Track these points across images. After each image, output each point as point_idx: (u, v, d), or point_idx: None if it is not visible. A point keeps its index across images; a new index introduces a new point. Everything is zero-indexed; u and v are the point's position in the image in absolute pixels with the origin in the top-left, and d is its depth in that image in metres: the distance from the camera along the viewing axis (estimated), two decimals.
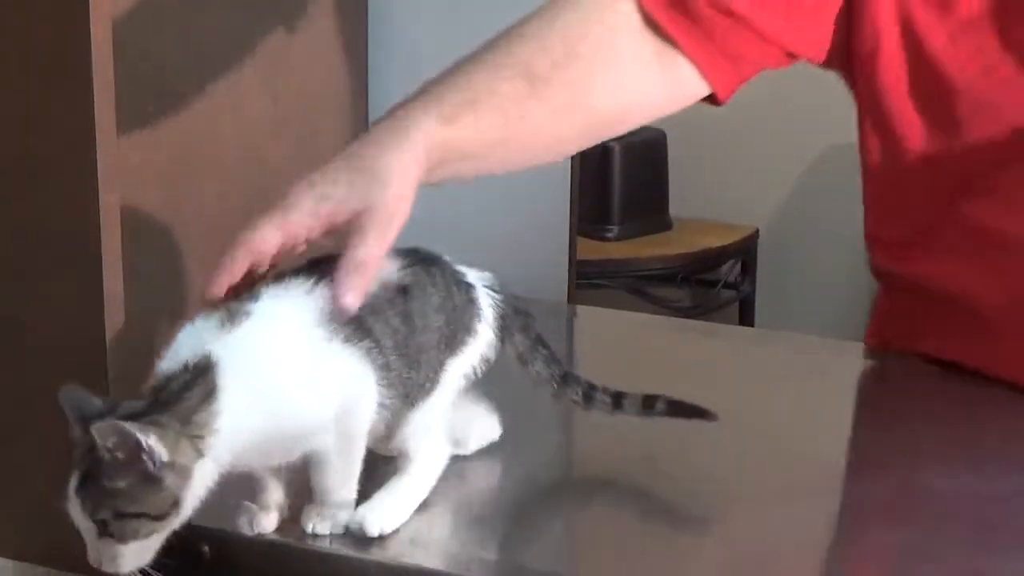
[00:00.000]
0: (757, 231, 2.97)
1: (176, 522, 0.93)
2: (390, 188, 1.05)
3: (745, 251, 2.92)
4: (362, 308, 0.99)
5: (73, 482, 0.91)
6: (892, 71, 1.30)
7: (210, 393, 0.93)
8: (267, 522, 1.04)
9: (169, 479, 0.90)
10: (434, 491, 1.06)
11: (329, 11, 1.72)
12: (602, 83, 1.24)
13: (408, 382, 1.02)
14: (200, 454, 0.93)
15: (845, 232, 3.03)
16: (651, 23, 1.24)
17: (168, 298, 1.48)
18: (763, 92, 3.16)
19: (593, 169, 2.69)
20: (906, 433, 1.25)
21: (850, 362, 1.43)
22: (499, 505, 1.14)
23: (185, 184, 1.59)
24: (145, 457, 0.89)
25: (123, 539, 0.90)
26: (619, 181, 2.78)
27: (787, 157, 2.92)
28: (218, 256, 1.05)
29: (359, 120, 1.78)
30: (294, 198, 1.04)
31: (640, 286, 2.71)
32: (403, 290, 1.03)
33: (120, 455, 0.89)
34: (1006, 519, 1.07)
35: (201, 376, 0.94)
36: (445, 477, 1.07)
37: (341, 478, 1.01)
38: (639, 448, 1.15)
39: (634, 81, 1.25)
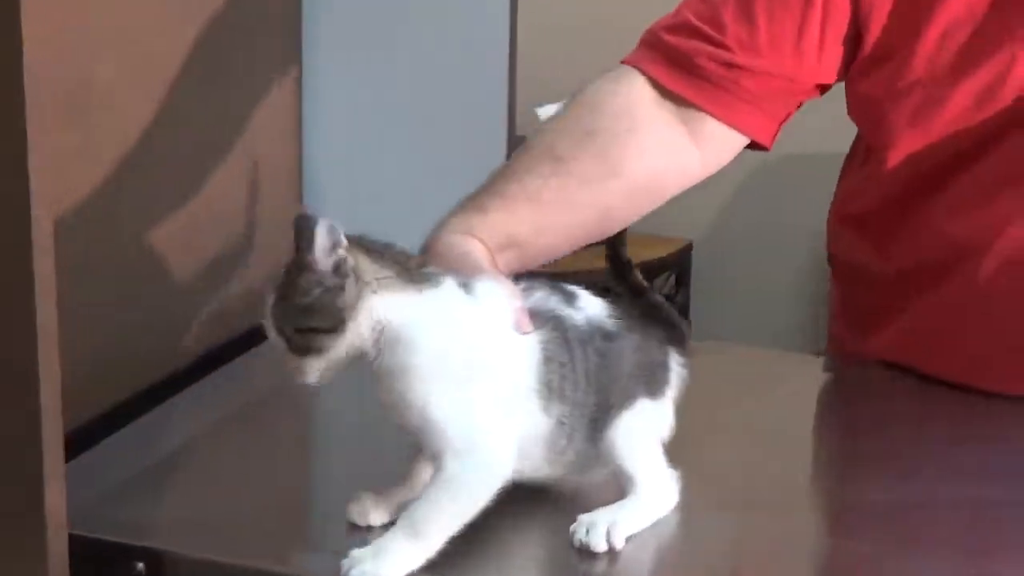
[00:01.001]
0: (691, 244, 3.02)
1: (343, 345, 1.01)
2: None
3: (679, 263, 3.00)
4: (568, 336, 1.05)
5: (269, 301, 1.02)
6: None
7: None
8: (376, 516, 1.07)
9: (342, 298, 1.00)
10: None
11: (265, 33, 1.73)
12: (628, 150, 1.27)
13: (593, 406, 1.06)
14: (370, 294, 1.01)
15: (779, 244, 3.07)
16: (664, 91, 1.27)
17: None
18: None
19: None
20: (850, 441, 1.30)
21: (786, 371, 1.48)
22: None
23: (121, 202, 1.59)
24: (335, 264, 1.00)
25: (305, 353, 1.00)
26: None
27: (721, 170, 3.14)
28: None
29: (294, 138, 1.78)
30: None
31: None
32: (603, 330, 1.09)
33: (324, 274, 0.98)
34: (973, 525, 1.11)
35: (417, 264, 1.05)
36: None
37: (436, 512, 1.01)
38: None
39: (661, 144, 1.28)
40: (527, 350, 1.04)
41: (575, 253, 2.35)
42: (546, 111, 2.70)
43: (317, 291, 0.99)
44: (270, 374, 1.28)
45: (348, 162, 1.80)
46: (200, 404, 1.39)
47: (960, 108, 1.29)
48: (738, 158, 3.40)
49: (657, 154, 1.30)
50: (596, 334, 1.07)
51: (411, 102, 1.83)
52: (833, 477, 1.24)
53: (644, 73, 1.31)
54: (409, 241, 1.25)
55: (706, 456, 1.21)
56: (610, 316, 1.09)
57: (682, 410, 1.16)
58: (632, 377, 1.07)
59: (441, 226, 1.19)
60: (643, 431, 1.08)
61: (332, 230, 0.99)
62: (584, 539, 1.05)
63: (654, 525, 1.09)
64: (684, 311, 3.02)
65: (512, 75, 1.82)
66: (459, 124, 1.79)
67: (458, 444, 1.00)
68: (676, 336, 1.13)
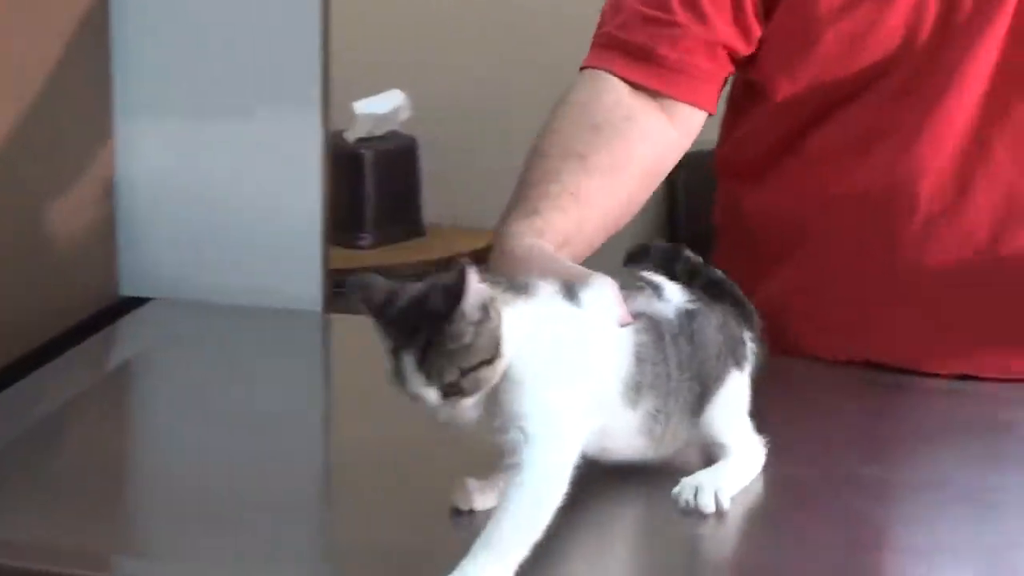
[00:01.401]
0: None
1: (501, 370, 0.96)
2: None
3: None
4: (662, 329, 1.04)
5: (410, 361, 0.95)
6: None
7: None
8: (480, 501, 1.03)
9: (492, 326, 0.95)
10: None
11: (72, 15, 1.70)
12: (632, 138, 1.31)
13: (688, 391, 1.05)
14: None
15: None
16: (635, 85, 1.33)
17: None
18: (514, 97, 2.57)
19: (345, 178, 2.59)
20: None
21: None
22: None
23: None
24: (484, 305, 0.95)
25: (472, 391, 0.95)
26: (371, 189, 2.67)
27: None
28: None
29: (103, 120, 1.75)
30: None
31: None
32: (689, 314, 1.06)
33: (473, 313, 0.94)
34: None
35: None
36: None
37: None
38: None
39: (653, 129, 1.32)
40: (622, 352, 1.01)
41: (394, 249, 2.80)
42: (362, 106, 3.10)
43: (471, 330, 0.95)
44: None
45: (162, 167, 1.72)
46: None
47: (829, 53, 1.33)
48: None
49: (653, 138, 1.34)
50: (685, 323, 1.05)
51: (224, 100, 2.07)
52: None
53: (612, 73, 1.34)
54: (228, 238, 1.49)
55: None
56: (691, 301, 1.07)
57: None
58: (720, 355, 1.06)
59: (506, 236, 1.20)
60: (736, 404, 1.08)
61: (476, 273, 0.96)
62: (692, 501, 1.03)
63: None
64: None
65: (326, 71, 1.77)
66: (273, 121, 2.13)
67: (547, 447, 0.97)
68: (745, 313, 1.11)
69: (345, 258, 2.46)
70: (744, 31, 1.35)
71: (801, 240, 1.40)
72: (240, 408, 1.25)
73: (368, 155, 2.57)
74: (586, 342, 1.01)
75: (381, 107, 2.61)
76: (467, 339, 0.95)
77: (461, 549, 0.94)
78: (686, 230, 2.28)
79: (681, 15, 1.34)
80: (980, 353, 1.32)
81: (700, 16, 1.34)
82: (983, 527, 1.00)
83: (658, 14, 1.35)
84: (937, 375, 1.30)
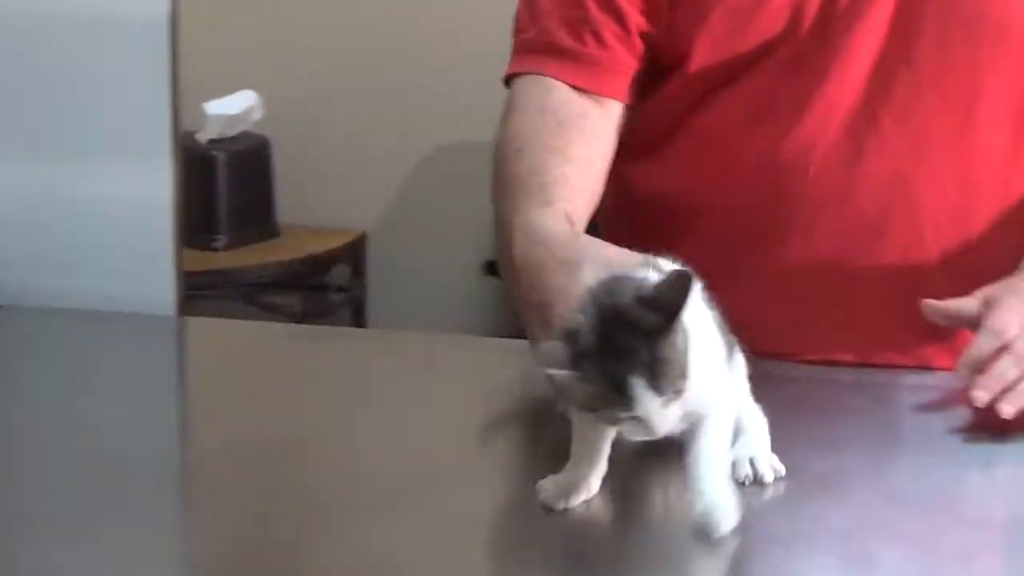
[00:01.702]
0: (365, 234, 2.90)
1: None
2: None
3: (354, 254, 2.87)
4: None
5: (639, 384, 0.92)
6: None
7: None
8: (576, 499, 1.03)
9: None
10: None
11: None
12: (592, 125, 1.33)
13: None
14: None
15: (452, 231, 2.75)
16: (569, 85, 1.33)
17: None
18: (366, 97, 2.55)
19: (197, 179, 2.54)
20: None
21: (465, 355, 1.46)
22: None
23: None
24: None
25: (684, 391, 0.95)
26: (224, 190, 2.65)
27: (392, 160, 2.78)
28: None
29: None
30: None
31: (252, 294, 2.74)
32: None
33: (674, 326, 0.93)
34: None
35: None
36: None
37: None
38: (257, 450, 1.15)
39: (600, 125, 1.34)
40: (715, 324, 1.03)
41: (249, 250, 2.78)
42: (214, 107, 3.09)
43: (683, 341, 0.96)
44: None
45: (6, 171, 1.68)
46: None
47: (718, 31, 1.34)
48: (410, 148, 2.73)
49: (603, 134, 1.36)
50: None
51: (69, 101, 2.04)
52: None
53: (546, 75, 1.35)
54: (77, 242, 1.43)
55: (375, 442, 1.19)
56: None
57: (352, 395, 1.25)
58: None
59: (535, 225, 1.19)
60: (744, 369, 1.08)
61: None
62: (750, 473, 1.06)
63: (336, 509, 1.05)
64: (361, 304, 2.94)
65: (175, 72, 1.92)
66: (121, 122, 2.09)
67: (721, 403, 1.00)
68: None
69: (199, 260, 2.52)
70: (655, 19, 1.34)
71: (691, 221, 1.39)
72: (91, 414, 1.22)
73: (220, 156, 2.55)
74: (708, 319, 1.01)
75: (233, 108, 2.58)
76: (682, 343, 0.94)
77: (322, 547, 0.94)
78: None
79: (596, 12, 1.34)
80: (863, 340, 1.33)
81: (615, 12, 1.34)
82: (836, 512, 1.01)
83: (576, 13, 1.35)
84: (808, 362, 1.30)
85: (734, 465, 1.05)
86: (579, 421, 1.03)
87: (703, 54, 1.36)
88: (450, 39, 2.61)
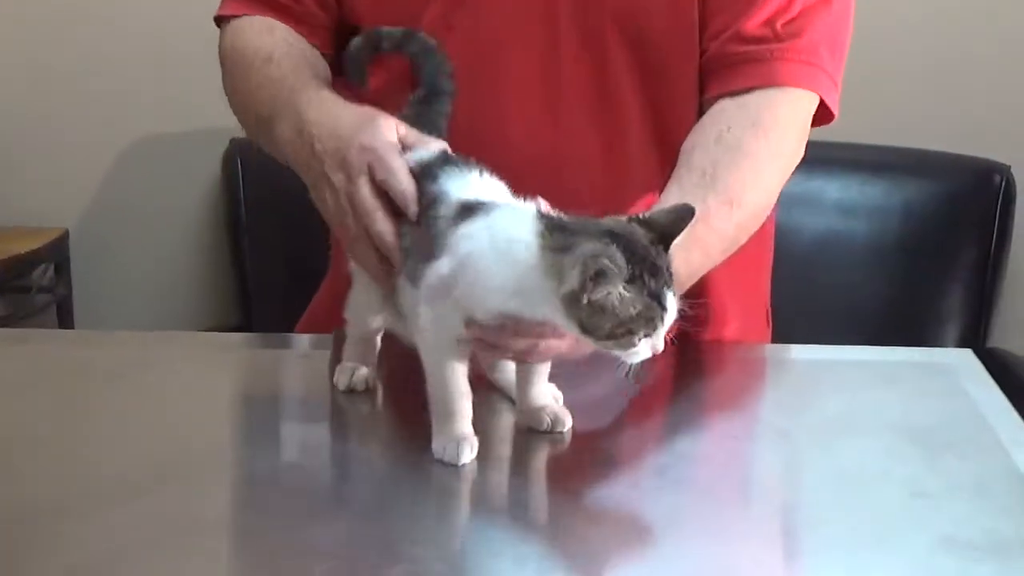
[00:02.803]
0: (67, 232, 2.77)
1: None
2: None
3: (56, 253, 2.74)
4: None
5: (670, 296, 1.02)
6: None
7: None
8: (473, 449, 1.09)
9: None
10: None
11: None
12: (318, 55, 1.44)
13: None
14: None
15: (156, 224, 2.68)
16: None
17: None
18: (56, 90, 2.56)
19: None
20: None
21: (177, 351, 1.43)
22: None
23: None
24: None
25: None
26: None
27: (88, 155, 2.70)
28: None
29: None
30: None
31: None
32: None
33: None
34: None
35: None
36: None
37: None
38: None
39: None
40: None
41: None
42: None
43: None
44: None
45: None
46: None
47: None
48: (110, 141, 2.65)
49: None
50: None
51: None
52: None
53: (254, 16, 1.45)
54: None
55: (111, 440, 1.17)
56: None
57: (81, 402, 1.24)
58: None
59: (327, 101, 1.27)
60: None
61: None
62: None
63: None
64: (67, 302, 2.77)
65: None
66: None
67: None
68: None
69: None
70: None
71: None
72: None
73: None
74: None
75: None
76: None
77: (35, 557, 0.92)
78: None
79: None
80: None
81: None
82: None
83: None
84: None
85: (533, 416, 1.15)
86: (449, 375, 1.08)
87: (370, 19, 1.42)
88: (141, 31, 2.54)
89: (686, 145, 1.31)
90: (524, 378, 1.15)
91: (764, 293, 1.53)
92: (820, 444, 1.16)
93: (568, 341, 1.06)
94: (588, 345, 1.02)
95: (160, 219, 2.66)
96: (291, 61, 1.38)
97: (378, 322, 1.22)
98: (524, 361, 1.11)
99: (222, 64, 1.44)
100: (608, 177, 1.31)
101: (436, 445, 1.10)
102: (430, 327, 1.07)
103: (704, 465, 1.14)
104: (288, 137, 1.28)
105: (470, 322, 1.05)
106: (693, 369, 1.39)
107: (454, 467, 1.08)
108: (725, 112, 1.32)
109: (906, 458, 1.12)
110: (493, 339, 1.06)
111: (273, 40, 1.42)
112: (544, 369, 1.15)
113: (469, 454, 1.09)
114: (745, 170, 1.29)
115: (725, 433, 1.22)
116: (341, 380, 1.23)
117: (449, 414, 1.08)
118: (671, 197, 1.24)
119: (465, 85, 1.25)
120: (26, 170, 2.66)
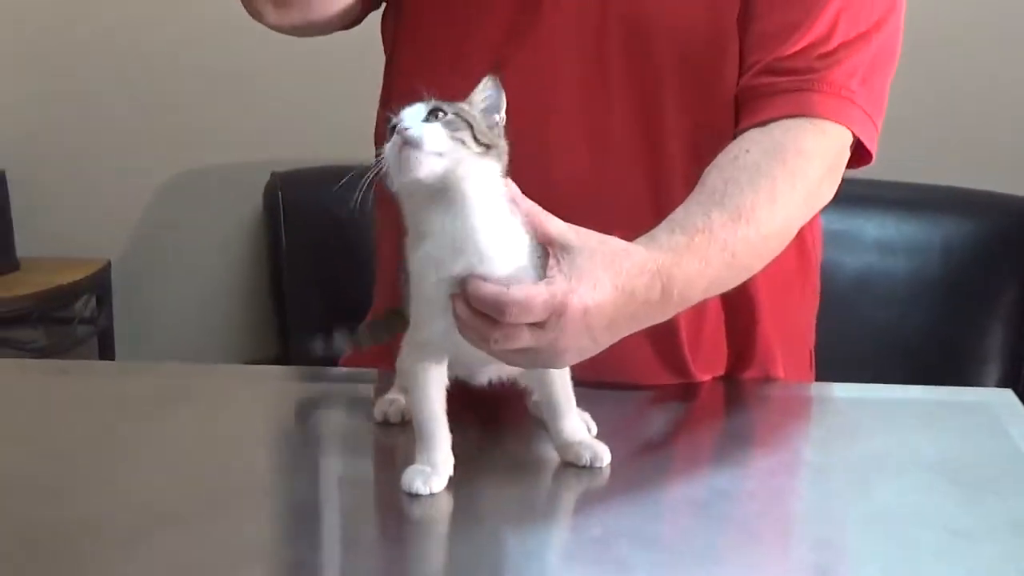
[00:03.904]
0: (109, 263, 2.83)
1: (473, 151, 1.08)
2: None
3: (98, 285, 2.80)
4: None
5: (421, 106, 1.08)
6: None
7: None
8: (437, 483, 1.09)
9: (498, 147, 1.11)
10: None
11: None
12: None
13: None
14: None
15: (197, 256, 2.72)
16: None
17: None
18: (100, 123, 2.77)
19: None
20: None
21: (217, 383, 1.46)
22: None
23: None
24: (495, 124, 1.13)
25: (449, 125, 1.07)
26: None
27: (133, 187, 2.76)
28: None
29: None
30: None
31: None
32: None
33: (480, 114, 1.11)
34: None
35: None
36: None
37: None
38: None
39: None
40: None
41: None
42: None
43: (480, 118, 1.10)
44: None
45: None
46: None
47: None
48: (151, 174, 2.68)
49: None
50: None
51: None
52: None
53: None
54: None
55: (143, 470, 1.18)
56: None
57: (101, 426, 1.26)
58: None
59: None
60: None
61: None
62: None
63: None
64: (108, 333, 2.87)
65: None
66: None
67: None
68: None
69: None
70: None
71: None
72: None
73: None
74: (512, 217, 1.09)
75: None
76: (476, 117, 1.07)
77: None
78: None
79: None
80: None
81: None
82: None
83: None
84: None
85: (570, 451, 1.15)
86: (422, 400, 1.09)
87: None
88: (185, 65, 2.59)
89: (706, 169, 1.28)
90: (551, 411, 1.15)
91: (809, 335, 1.53)
92: (859, 482, 1.16)
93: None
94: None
95: (201, 251, 2.70)
96: None
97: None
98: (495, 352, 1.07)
99: None
100: (655, 218, 1.27)
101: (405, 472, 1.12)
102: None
103: (743, 501, 1.13)
104: None
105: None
106: (735, 405, 1.40)
107: (488, 498, 1.09)
108: (748, 137, 1.30)
109: (945, 497, 1.12)
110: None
111: None
112: (568, 399, 1.14)
113: (421, 485, 1.08)
114: (760, 190, 1.25)
115: (764, 469, 1.21)
116: (378, 411, 1.24)
117: (419, 438, 1.10)
118: (676, 214, 1.22)
119: (511, 122, 1.24)
120: (69, 202, 2.70)
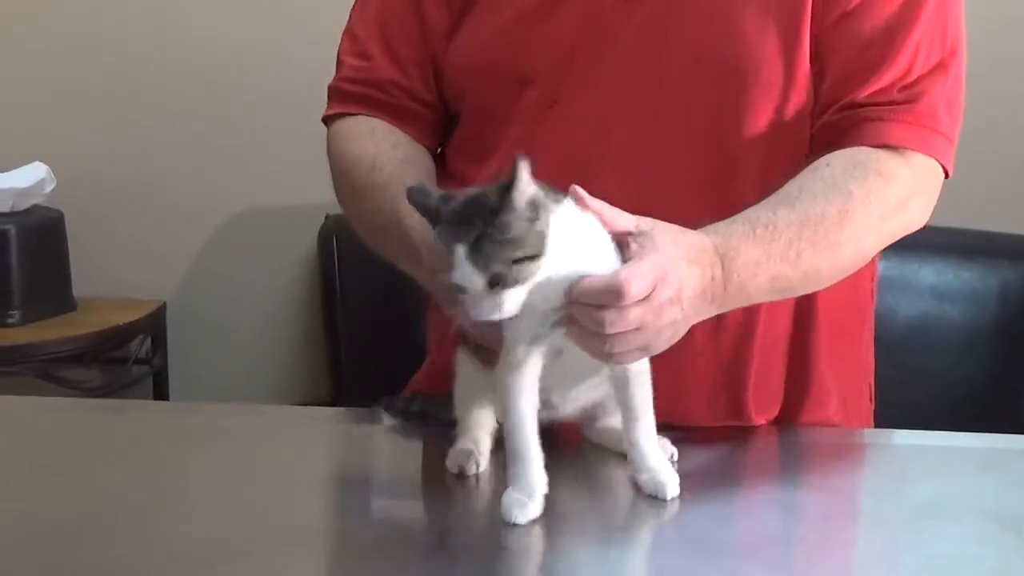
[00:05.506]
0: (164, 304, 2.86)
1: (541, 270, 1.07)
2: None
3: (154, 325, 2.84)
4: None
5: (461, 252, 1.04)
6: None
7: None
8: (533, 510, 1.10)
9: (541, 220, 1.06)
10: None
11: None
12: (421, 151, 1.45)
13: None
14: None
15: (252, 298, 2.75)
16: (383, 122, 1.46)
17: None
18: (157, 164, 2.85)
19: None
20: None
21: (270, 425, 1.46)
22: None
23: None
24: (534, 202, 1.06)
25: (516, 282, 1.05)
26: (17, 264, 2.59)
27: (188, 228, 2.79)
28: None
29: None
30: None
31: (49, 370, 2.66)
32: None
33: (522, 206, 1.04)
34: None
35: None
36: None
37: None
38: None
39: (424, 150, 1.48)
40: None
41: (46, 325, 2.75)
42: (2, 180, 3.02)
43: (522, 224, 1.04)
44: None
45: None
46: None
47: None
48: (206, 215, 2.86)
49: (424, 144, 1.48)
50: None
51: None
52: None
53: (358, 114, 1.47)
54: None
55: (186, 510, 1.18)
56: None
57: (155, 466, 1.28)
58: None
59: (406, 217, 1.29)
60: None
61: (528, 169, 1.05)
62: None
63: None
64: (163, 374, 2.87)
65: None
66: None
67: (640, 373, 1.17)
68: None
69: None
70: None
71: None
72: None
73: (12, 231, 2.51)
74: (608, 243, 1.11)
75: (23, 181, 2.53)
76: (517, 232, 1.03)
77: None
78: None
79: (383, 66, 1.45)
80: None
81: (399, 64, 1.44)
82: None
83: (365, 64, 1.46)
84: None
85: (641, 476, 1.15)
86: (517, 427, 1.09)
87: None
88: (240, 106, 2.61)
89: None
90: (628, 415, 1.15)
91: (867, 369, 1.50)
92: (913, 529, 1.14)
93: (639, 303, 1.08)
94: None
95: (255, 293, 2.71)
96: (393, 167, 1.39)
97: (487, 416, 1.21)
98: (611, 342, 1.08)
99: (330, 166, 1.47)
100: None
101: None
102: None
103: (796, 547, 1.12)
104: (397, 251, 1.33)
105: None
106: (790, 451, 1.39)
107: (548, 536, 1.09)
108: (832, 154, 1.30)
109: (999, 546, 1.11)
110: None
111: (376, 144, 1.42)
112: (648, 419, 1.15)
113: (519, 515, 1.09)
114: (833, 202, 1.25)
115: (818, 515, 1.20)
116: (451, 462, 1.22)
117: (513, 461, 1.11)
118: (744, 211, 1.25)
119: (565, 165, 1.23)
120: (126, 242, 2.73)
